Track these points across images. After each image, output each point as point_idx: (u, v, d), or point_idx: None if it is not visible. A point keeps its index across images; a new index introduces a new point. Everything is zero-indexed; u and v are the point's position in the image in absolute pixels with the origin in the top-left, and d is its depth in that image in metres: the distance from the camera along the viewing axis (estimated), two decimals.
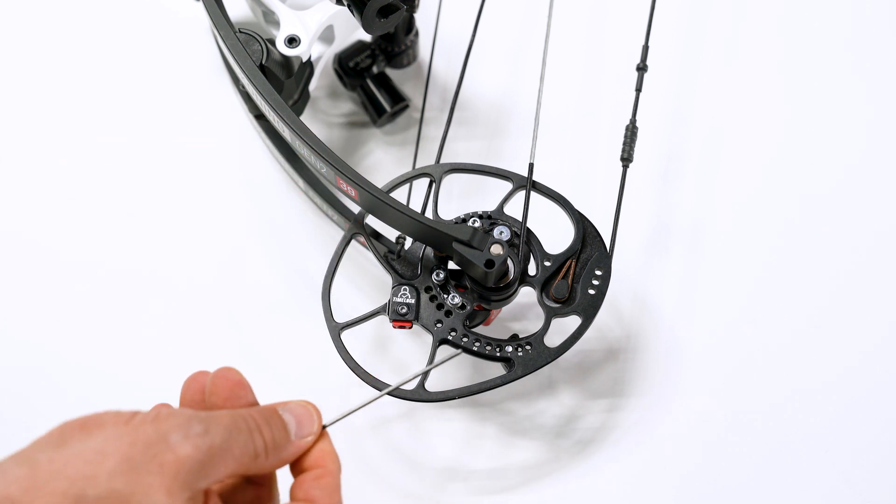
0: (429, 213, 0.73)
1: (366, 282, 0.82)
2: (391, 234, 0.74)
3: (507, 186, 0.74)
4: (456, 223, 0.73)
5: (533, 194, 0.74)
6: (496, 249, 0.69)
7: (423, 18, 0.86)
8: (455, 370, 0.78)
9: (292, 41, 0.77)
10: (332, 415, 0.62)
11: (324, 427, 0.61)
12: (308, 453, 0.60)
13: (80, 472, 0.50)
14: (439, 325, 0.71)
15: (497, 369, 0.71)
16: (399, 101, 0.86)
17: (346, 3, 0.72)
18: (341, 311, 0.72)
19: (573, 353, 0.73)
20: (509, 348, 0.70)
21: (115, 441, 0.52)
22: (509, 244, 0.72)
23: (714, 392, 0.78)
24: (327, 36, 0.81)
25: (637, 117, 0.76)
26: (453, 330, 0.71)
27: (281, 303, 0.82)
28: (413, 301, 0.71)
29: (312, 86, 0.82)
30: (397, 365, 0.79)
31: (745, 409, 0.78)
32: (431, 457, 0.77)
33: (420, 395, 0.70)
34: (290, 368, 0.79)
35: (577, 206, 0.74)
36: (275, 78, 0.75)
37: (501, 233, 0.73)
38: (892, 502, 0.75)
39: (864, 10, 0.91)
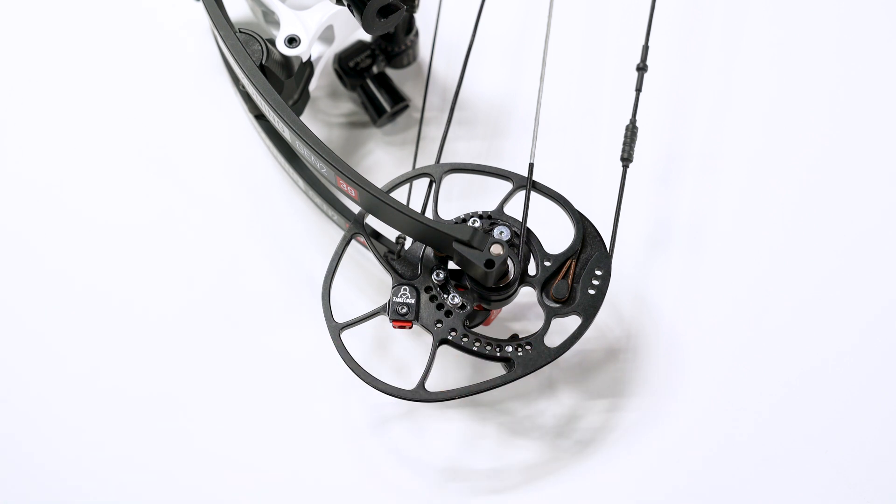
0: (429, 213, 0.74)
1: (366, 282, 0.82)
2: (391, 234, 0.74)
3: (507, 186, 0.74)
4: (456, 223, 0.73)
5: (533, 194, 0.74)
6: (496, 249, 0.69)
7: (423, 18, 0.86)
8: (455, 370, 0.78)
9: (292, 41, 0.77)
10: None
11: None
12: None
13: None
14: (439, 325, 0.71)
15: (497, 369, 0.71)
16: (399, 101, 0.85)
17: (346, 3, 0.72)
18: (341, 311, 0.72)
19: (573, 353, 0.73)
20: (509, 348, 0.70)
21: None
22: (509, 244, 0.72)
23: (714, 392, 0.78)
24: (327, 36, 0.81)
25: (637, 117, 0.76)
26: (453, 330, 0.71)
27: (281, 303, 0.82)
28: (413, 301, 0.71)
29: (312, 86, 0.82)
30: (397, 365, 0.79)
31: (745, 409, 0.78)
32: (431, 457, 0.77)
33: (420, 395, 0.70)
34: (290, 368, 0.79)
35: (577, 206, 0.74)
36: (275, 78, 0.75)
37: (501, 233, 0.73)
38: (892, 502, 0.75)
39: (866, 12, 0.91)
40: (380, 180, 0.74)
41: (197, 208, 0.85)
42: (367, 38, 0.84)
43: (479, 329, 0.73)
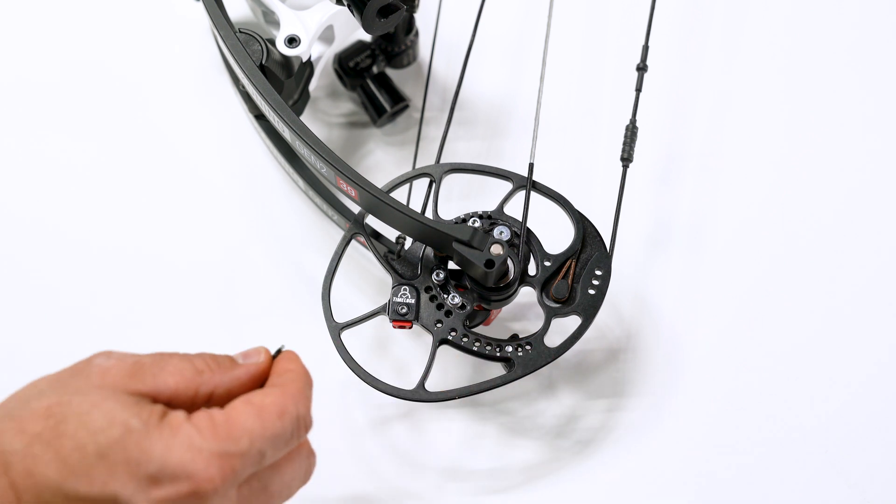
0: (429, 213, 0.74)
1: (366, 282, 0.82)
2: (391, 234, 0.74)
3: (507, 186, 0.74)
4: (456, 223, 0.73)
5: (533, 194, 0.74)
6: (496, 249, 0.69)
7: (423, 18, 0.86)
8: (455, 370, 0.78)
9: (292, 41, 0.77)
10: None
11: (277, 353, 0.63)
12: (278, 365, 0.63)
13: (12, 397, 0.55)
14: (439, 325, 0.71)
15: (497, 369, 0.71)
16: (399, 101, 0.85)
17: (346, 3, 0.72)
18: (341, 311, 0.72)
19: (573, 353, 0.73)
20: (509, 348, 0.70)
21: (47, 376, 0.57)
22: (509, 244, 0.72)
23: (714, 392, 0.78)
24: (327, 36, 0.81)
25: (637, 117, 0.76)
26: (453, 330, 0.71)
27: (281, 303, 0.82)
28: (413, 301, 0.71)
29: (312, 86, 0.82)
30: (397, 365, 0.79)
31: (745, 409, 0.78)
32: (431, 457, 0.77)
33: (420, 395, 0.70)
34: None
35: (577, 206, 0.74)
36: (275, 78, 0.75)
37: (501, 233, 0.73)
38: (892, 502, 0.75)
39: (867, 11, 0.91)
40: (380, 180, 0.74)
41: (197, 208, 0.85)
42: (367, 38, 0.84)
43: (479, 329, 0.73)
